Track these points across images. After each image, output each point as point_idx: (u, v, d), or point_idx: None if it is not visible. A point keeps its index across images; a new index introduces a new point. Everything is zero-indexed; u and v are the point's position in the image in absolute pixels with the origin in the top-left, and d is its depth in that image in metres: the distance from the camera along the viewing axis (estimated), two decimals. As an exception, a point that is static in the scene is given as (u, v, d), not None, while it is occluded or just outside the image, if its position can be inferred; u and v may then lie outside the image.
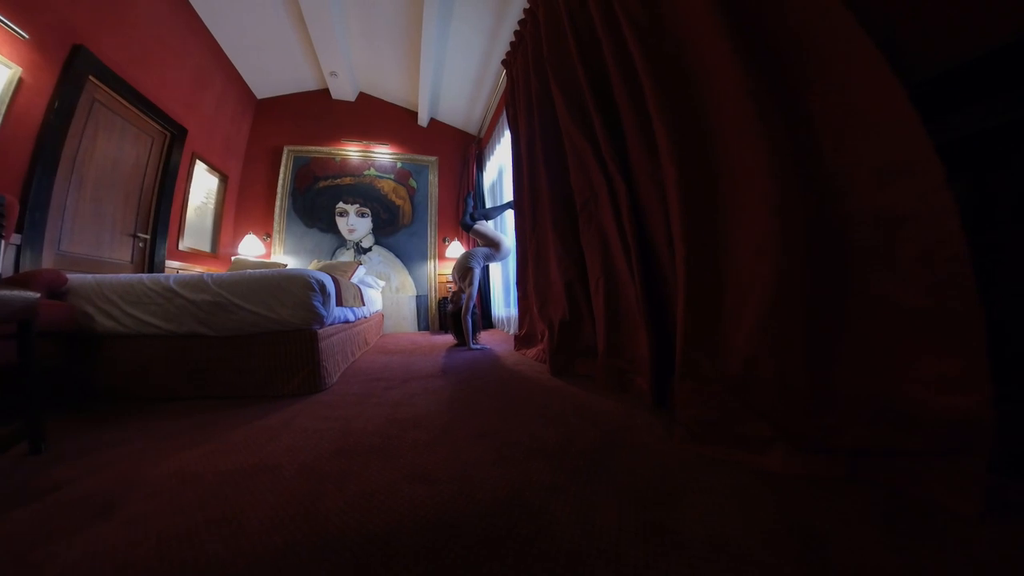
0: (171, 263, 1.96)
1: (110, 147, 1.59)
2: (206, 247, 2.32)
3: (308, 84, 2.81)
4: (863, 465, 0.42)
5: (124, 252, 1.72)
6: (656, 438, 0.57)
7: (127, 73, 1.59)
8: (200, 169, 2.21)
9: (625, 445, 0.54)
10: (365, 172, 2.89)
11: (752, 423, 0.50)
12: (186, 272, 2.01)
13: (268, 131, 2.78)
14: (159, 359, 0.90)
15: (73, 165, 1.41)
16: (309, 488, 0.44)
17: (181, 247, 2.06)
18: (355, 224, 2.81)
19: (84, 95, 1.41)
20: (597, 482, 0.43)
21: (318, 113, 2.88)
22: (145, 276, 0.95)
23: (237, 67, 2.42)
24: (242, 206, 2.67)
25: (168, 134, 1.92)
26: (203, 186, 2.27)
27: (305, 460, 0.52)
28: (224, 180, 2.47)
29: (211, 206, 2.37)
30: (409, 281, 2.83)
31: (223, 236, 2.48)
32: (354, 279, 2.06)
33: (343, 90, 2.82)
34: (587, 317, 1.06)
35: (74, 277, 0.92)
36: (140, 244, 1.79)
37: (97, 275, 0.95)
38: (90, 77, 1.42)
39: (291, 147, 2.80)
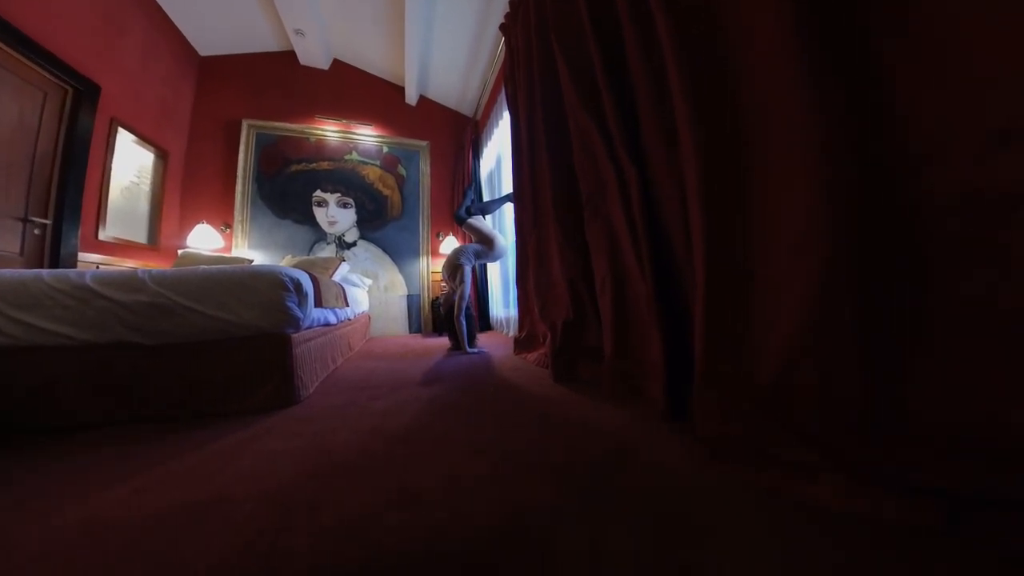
0: (87, 256, 1.47)
1: (-29, 97, 1.11)
2: (140, 237, 1.79)
3: (267, 43, 2.25)
4: (964, 515, 0.30)
5: (10, 242, 1.23)
6: (672, 454, 0.49)
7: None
8: (125, 140, 1.67)
9: (637, 462, 0.47)
10: (346, 156, 2.43)
11: (790, 444, 0.41)
12: (111, 267, 1.56)
13: (220, 99, 2.20)
14: (69, 376, 0.68)
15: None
16: (272, 522, 0.36)
17: (102, 237, 1.55)
18: (336, 215, 2.36)
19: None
20: (607, 506, 0.38)
21: (283, 81, 2.33)
22: (45, 272, 0.72)
23: (165, 8, 1.83)
24: (191, 189, 2.12)
25: (69, 89, 1.39)
26: (132, 162, 1.72)
27: (269, 488, 0.43)
28: (162, 156, 1.93)
29: (145, 188, 1.83)
30: (399, 279, 2.45)
31: (165, 225, 1.94)
32: (336, 277, 1.75)
33: (313, 55, 2.30)
34: (592, 318, 0.95)
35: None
36: (36, 231, 1.31)
37: (-36, 271, 0.70)
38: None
39: (252, 121, 2.25)
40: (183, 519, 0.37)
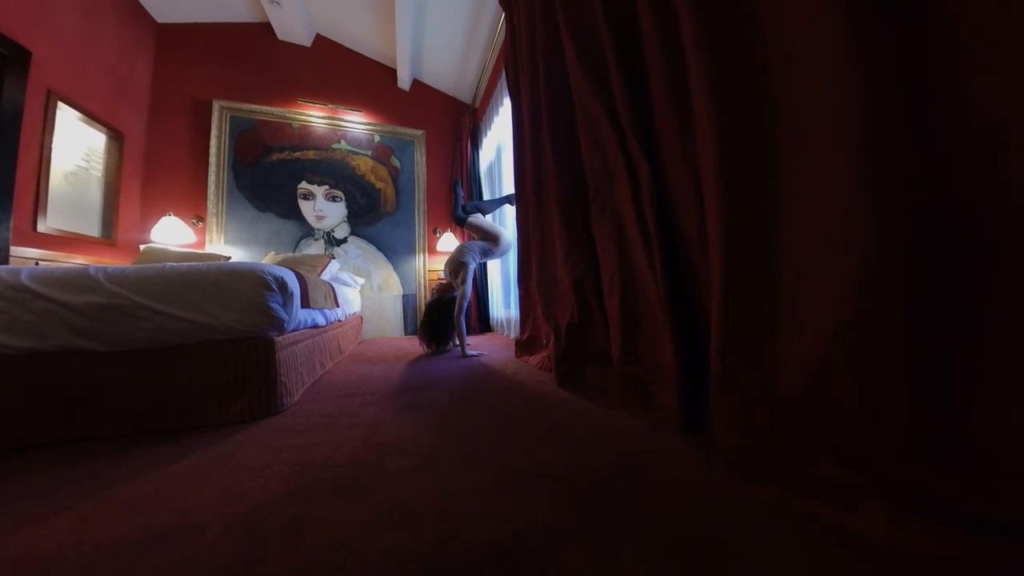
0: (22, 251, 1.23)
1: None
2: (92, 230, 1.54)
3: (238, 11, 1.97)
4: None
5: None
6: (690, 469, 0.46)
7: None
8: (69, 117, 1.42)
9: (650, 476, 0.44)
10: (334, 146, 2.20)
11: (824, 462, 0.37)
12: (55, 264, 1.33)
13: (185, 75, 1.92)
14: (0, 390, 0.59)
15: None
16: (245, 551, 0.32)
17: (42, 229, 1.31)
18: (324, 209, 2.15)
19: None
20: (619, 526, 0.34)
21: (260, 58, 2.07)
22: (-36, 269, 0.62)
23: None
24: (154, 177, 1.86)
25: (-12, 49, 1.18)
26: (79, 143, 1.47)
27: (243, 511, 0.38)
28: (117, 138, 1.67)
29: (96, 173, 1.57)
30: (394, 278, 2.28)
31: (123, 216, 1.69)
32: (325, 275, 1.61)
33: (292, 28, 2.04)
34: (599, 320, 0.90)
35: None
36: (-48, 223, 1.12)
37: None
38: None
39: (224, 102, 1.98)
40: (135, 551, 0.32)
